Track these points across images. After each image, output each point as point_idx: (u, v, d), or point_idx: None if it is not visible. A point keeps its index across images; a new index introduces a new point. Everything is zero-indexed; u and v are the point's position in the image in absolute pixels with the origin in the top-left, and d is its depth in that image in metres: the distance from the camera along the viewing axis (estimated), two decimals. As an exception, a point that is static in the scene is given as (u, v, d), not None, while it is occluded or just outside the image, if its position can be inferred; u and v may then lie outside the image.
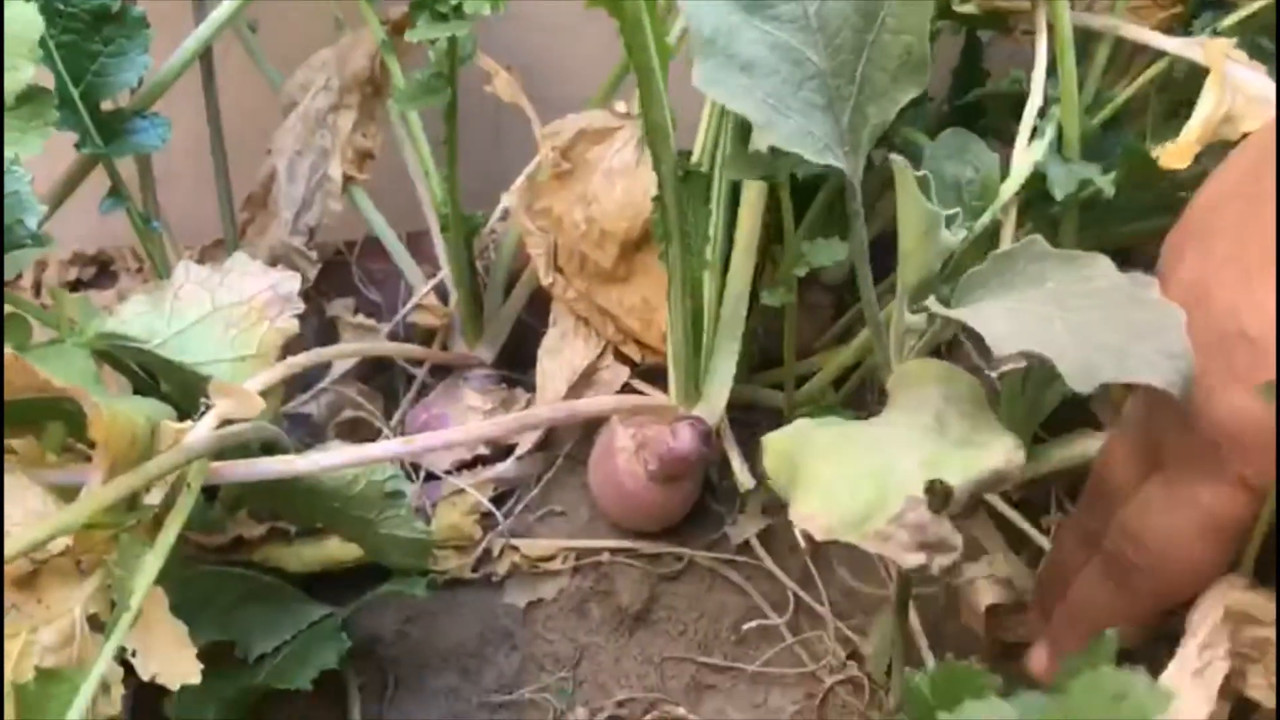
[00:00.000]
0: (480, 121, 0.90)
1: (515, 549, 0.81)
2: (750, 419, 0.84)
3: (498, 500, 0.83)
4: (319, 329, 0.90)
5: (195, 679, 0.53)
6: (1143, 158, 0.63)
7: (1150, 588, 0.54)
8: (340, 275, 0.93)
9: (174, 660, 0.53)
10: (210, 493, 0.73)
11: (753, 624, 0.78)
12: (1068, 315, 0.46)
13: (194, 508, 0.71)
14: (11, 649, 0.49)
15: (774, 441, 0.50)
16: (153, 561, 0.53)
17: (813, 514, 0.43)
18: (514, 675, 0.77)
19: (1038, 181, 0.66)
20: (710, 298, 0.74)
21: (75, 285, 0.92)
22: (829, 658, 0.76)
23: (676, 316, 0.72)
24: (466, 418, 0.84)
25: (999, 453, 0.44)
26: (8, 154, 0.59)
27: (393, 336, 0.88)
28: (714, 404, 0.75)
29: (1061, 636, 0.62)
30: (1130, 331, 0.45)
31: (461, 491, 0.82)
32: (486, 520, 0.82)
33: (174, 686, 0.53)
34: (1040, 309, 0.47)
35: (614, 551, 0.81)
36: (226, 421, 0.60)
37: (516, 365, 0.89)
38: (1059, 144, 0.67)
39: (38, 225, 0.59)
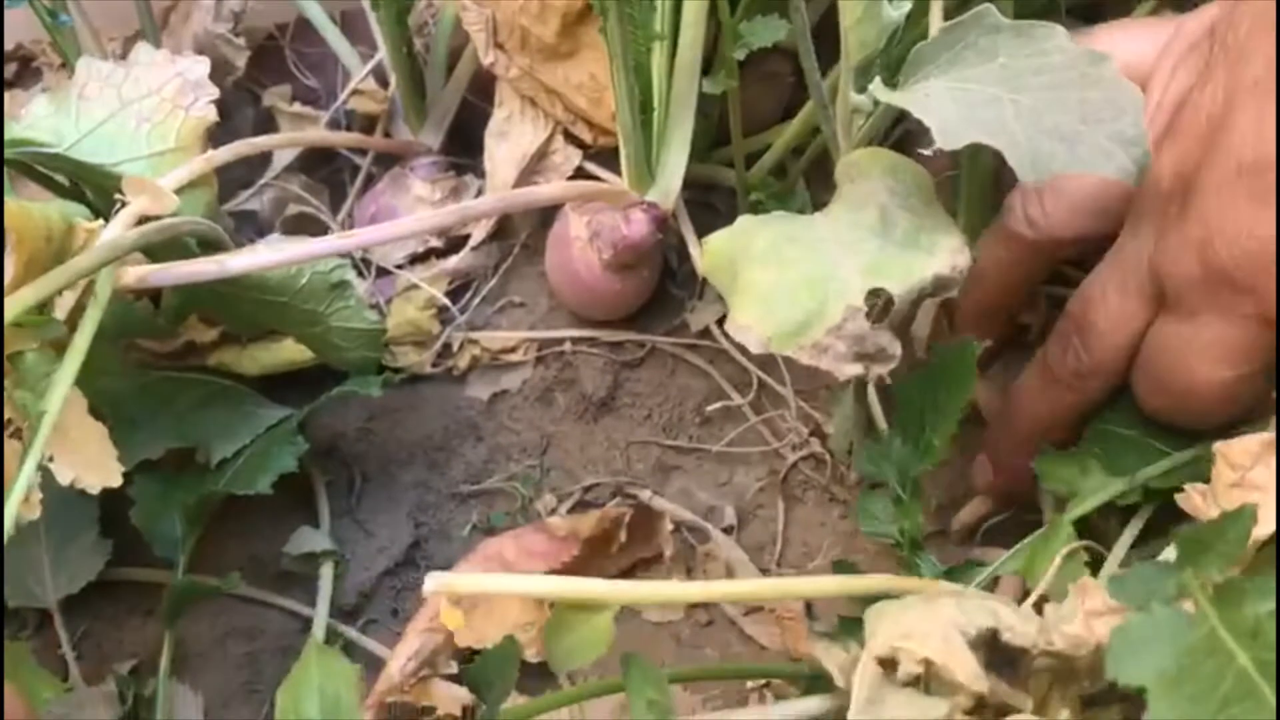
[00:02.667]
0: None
1: (475, 342, 0.80)
2: (708, 199, 0.82)
3: (454, 294, 0.81)
4: (256, 120, 0.86)
5: (116, 482, 0.52)
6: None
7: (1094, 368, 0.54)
8: (273, 61, 0.87)
9: (94, 464, 0.52)
10: (156, 300, 0.71)
11: (716, 406, 0.78)
12: (1019, 97, 0.43)
13: (138, 316, 0.71)
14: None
15: (713, 244, 0.48)
16: (68, 367, 0.51)
17: (749, 325, 0.42)
18: (481, 466, 0.78)
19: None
20: (660, 73, 0.70)
21: (-5, 84, 0.87)
22: (791, 435, 0.76)
23: (622, 95, 0.68)
24: (415, 209, 0.81)
25: (943, 257, 0.42)
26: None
27: (333, 125, 0.84)
28: (668, 187, 0.72)
29: (1000, 446, 0.64)
30: (1084, 114, 0.42)
31: (416, 286, 0.80)
32: (444, 314, 0.81)
33: (94, 491, 0.52)
34: (990, 90, 0.44)
35: (575, 341, 0.80)
36: (145, 220, 0.57)
37: (465, 150, 0.85)
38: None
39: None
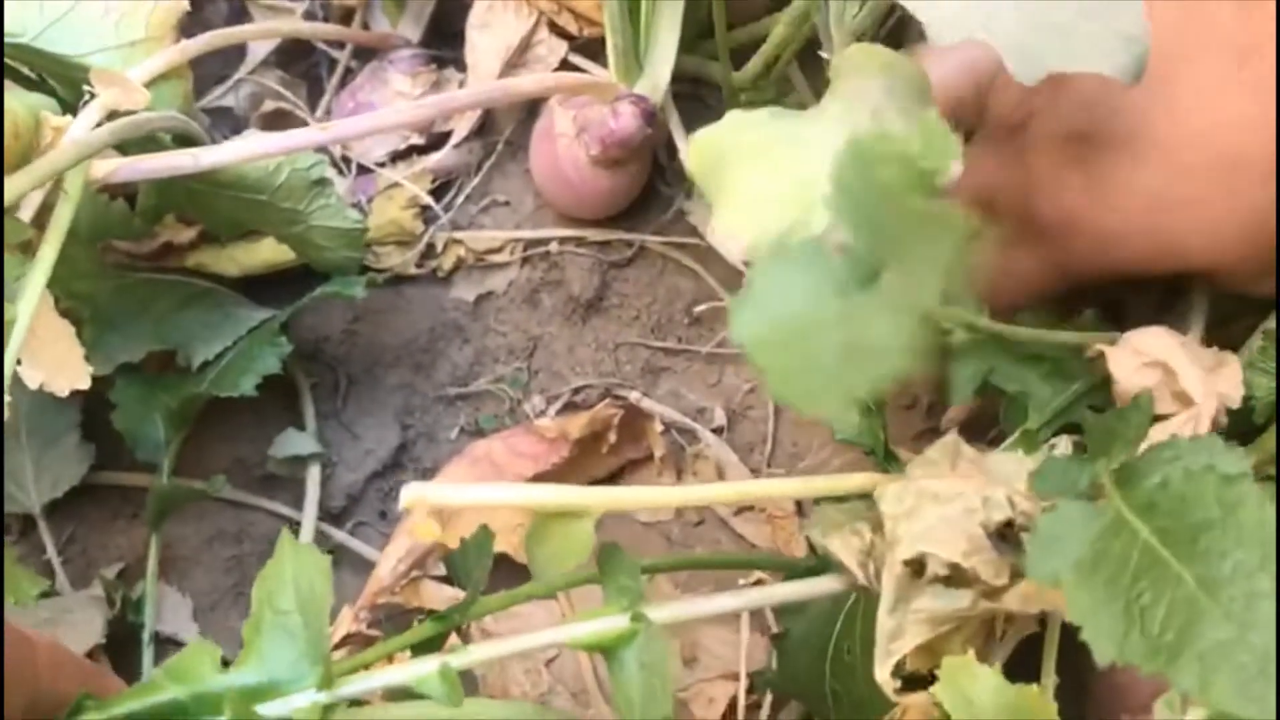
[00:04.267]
0: None
1: (460, 242, 0.79)
2: (697, 93, 0.79)
3: (437, 192, 0.79)
4: (229, 13, 0.82)
5: (84, 384, 0.52)
6: None
7: None
8: (245, -52, 0.84)
9: (61, 367, 0.51)
10: (131, 201, 0.69)
11: (706, 306, 0.77)
12: (1018, -11, 0.41)
13: (113, 216, 0.69)
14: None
15: (701, 142, 0.46)
16: (38, 270, 0.50)
17: (733, 230, 0.40)
18: (468, 368, 0.77)
19: None
20: (648, -37, 0.67)
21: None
22: (783, 336, 0.75)
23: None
24: (394, 104, 0.78)
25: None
26: None
27: (309, 17, 0.81)
28: (656, 79, 0.70)
29: None
30: (1081, 7, 0.40)
31: (398, 184, 0.78)
32: (427, 213, 0.79)
33: (63, 393, 0.51)
34: (990, -17, 0.42)
35: (562, 240, 0.78)
36: (115, 115, 0.56)
37: (445, 43, 0.82)
38: None
39: None
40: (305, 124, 0.81)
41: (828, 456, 0.72)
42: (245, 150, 0.58)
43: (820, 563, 0.48)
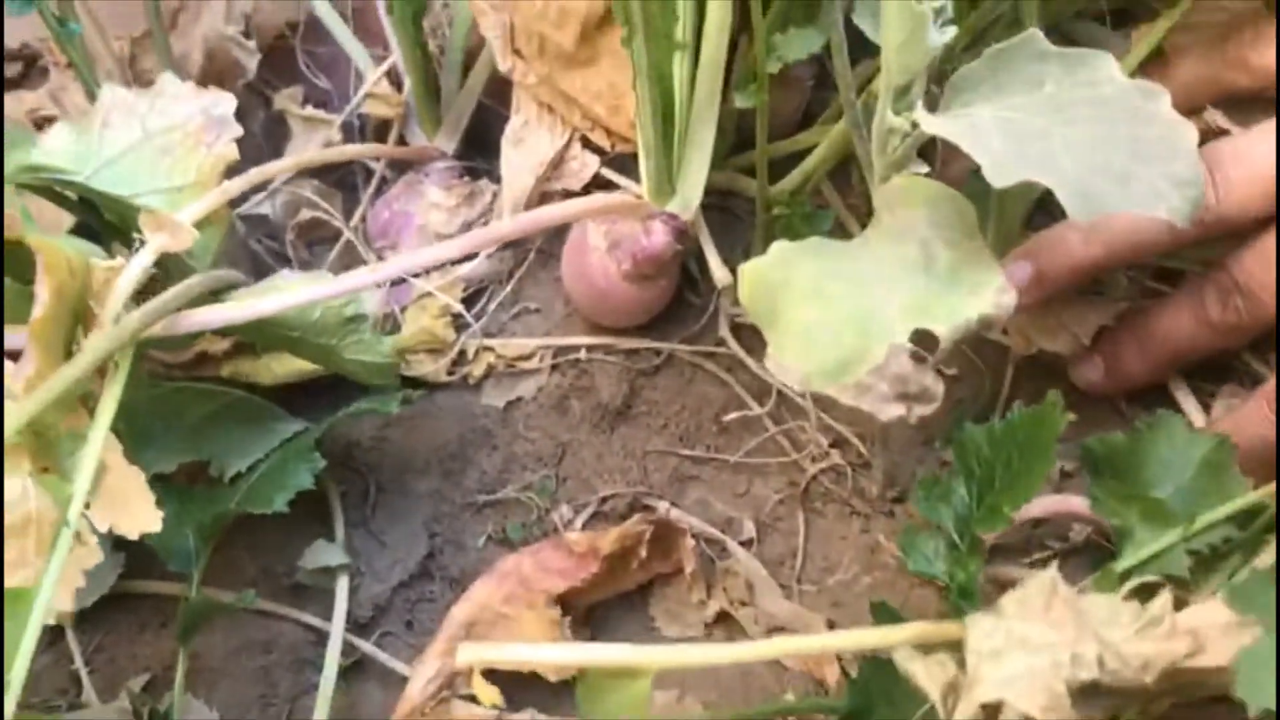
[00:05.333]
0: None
1: (490, 349, 0.79)
2: (726, 204, 0.80)
3: (469, 300, 0.80)
4: (266, 123, 0.84)
5: (155, 528, 0.52)
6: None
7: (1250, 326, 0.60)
8: (284, 61, 0.86)
9: (133, 510, 0.51)
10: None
11: (734, 415, 0.77)
12: (1068, 130, 0.42)
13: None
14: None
15: (752, 273, 0.47)
16: (102, 418, 0.50)
17: (790, 362, 0.41)
18: (497, 475, 0.77)
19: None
20: (681, 82, 0.68)
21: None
22: (811, 447, 0.75)
23: (644, 106, 0.67)
24: (429, 215, 0.80)
25: (988, 296, 0.41)
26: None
27: (346, 128, 0.83)
28: (688, 198, 0.71)
29: (1124, 354, 0.67)
30: (1136, 151, 0.41)
31: (431, 294, 0.79)
32: (459, 321, 0.80)
33: (133, 536, 0.51)
34: (1038, 121, 0.43)
35: (591, 348, 0.79)
36: (165, 255, 0.57)
37: (479, 152, 0.84)
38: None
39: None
40: (338, 233, 0.82)
41: (859, 572, 0.72)
42: (295, 299, 0.60)
43: (862, 704, 0.47)
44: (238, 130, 0.62)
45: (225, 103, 0.62)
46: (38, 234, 0.54)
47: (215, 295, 0.62)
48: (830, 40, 0.50)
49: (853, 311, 0.41)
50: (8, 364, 0.54)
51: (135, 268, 0.56)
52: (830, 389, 0.40)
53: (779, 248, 0.49)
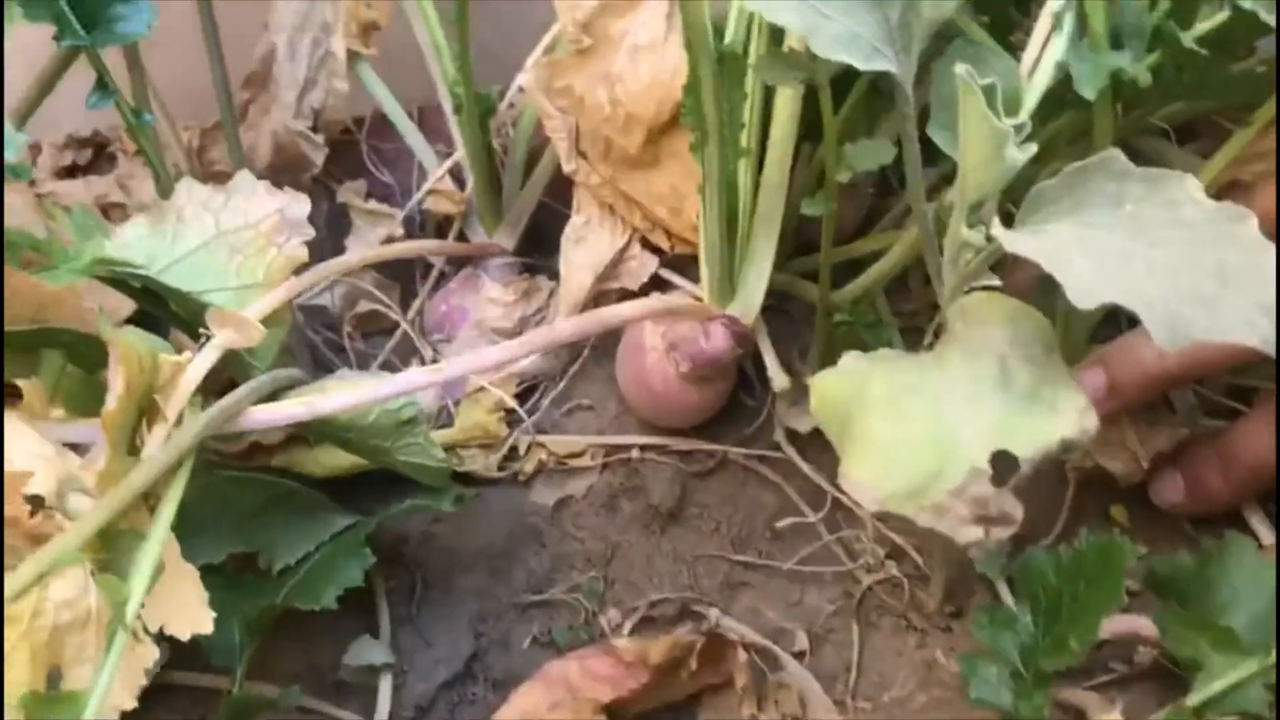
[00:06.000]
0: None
1: (542, 445, 0.79)
2: (784, 307, 0.80)
3: (522, 395, 0.80)
4: (329, 215, 0.85)
5: (207, 629, 0.51)
6: (1176, 40, 0.56)
7: None
8: (349, 155, 0.87)
9: (186, 611, 0.51)
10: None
11: (788, 521, 0.76)
12: (1151, 252, 0.41)
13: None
14: (23, 609, 0.47)
15: (825, 386, 0.46)
16: (162, 518, 0.50)
17: (867, 482, 0.40)
18: (544, 575, 0.76)
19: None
20: (745, 188, 0.69)
21: (71, 170, 0.87)
22: (867, 557, 0.74)
23: (710, 210, 0.67)
24: (486, 310, 0.80)
25: (1070, 418, 0.40)
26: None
27: (407, 223, 0.84)
28: (749, 302, 0.70)
29: (1207, 475, 0.65)
30: (1222, 276, 0.40)
31: (484, 388, 0.78)
32: (511, 416, 0.79)
33: (184, 637, 0.51)
34: (1119, 242, 0.42)
35: (644, 448, 0.78)
36: (229, 353, 0.57)
37: (536, 248, 0.85)
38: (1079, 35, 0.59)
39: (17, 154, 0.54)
40: (395, 326, 0.82)
41: (914, 689, 0.70)
42: (355, 399, 0.60)
43: None
44: (310, 233, 0.63)
45: (300, 204, 0.63)
46: (111, 326, 0.54)
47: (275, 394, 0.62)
48: (905, 155, 0.50)
49: (931, 430, 0.40)
50: (76, 456, 0.55)
51: (201, 364, 0.57)
52: (907, 510, 0.39)
53: (851, 359, 0.48)
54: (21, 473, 0.54)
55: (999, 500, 0.39)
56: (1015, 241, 0.43)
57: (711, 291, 0.71)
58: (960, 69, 0.44)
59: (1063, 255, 0.41)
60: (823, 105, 0.58)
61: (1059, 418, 0.40)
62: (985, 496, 0.39)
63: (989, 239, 0.48)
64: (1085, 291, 0.39)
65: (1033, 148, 0.45)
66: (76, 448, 0.56)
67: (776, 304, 0.80)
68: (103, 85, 0.67)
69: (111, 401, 0.53)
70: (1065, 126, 0.64)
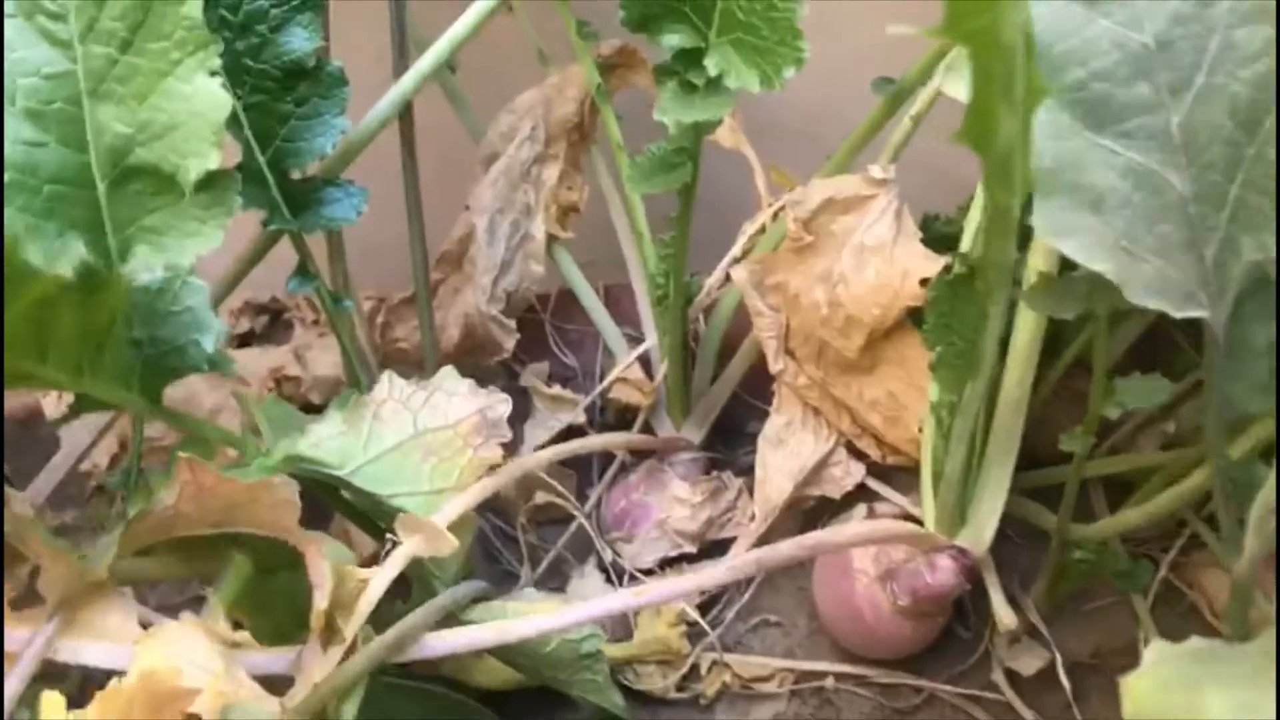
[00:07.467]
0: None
1: (726, 666, 0.72)
2: (1006, 530, 0.72)
3: (704, 606, 0.73)
4: (510, 396, 0.81)
5: None
6: None
7: None
8: (531, 333, 0.83)
9: None
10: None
11: (1003, 773, 0.67)
12: None
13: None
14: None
15: (1141, 693, 0.39)
16: None
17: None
18: (724, 813, 0.68)
19: None
20: (981, 409, 0.62)
21: (247, 337, 0.85)
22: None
23: (951, 435, 0.61)
24: (672, 510, 0.74)
25: None
26: (185, 255, 0.51)
27: (590, 411, 0.79)
28: (981, 533, 0.63)
29: None
30: None
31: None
32: (692, 627, 0.72)
33: None
34: None
35: (840, 677, 0.71)
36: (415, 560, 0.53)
37: (723, 439, 0.79)
38: None
39: (215, 345, 0.51)
40: (571, 519, 0.77)
41: None
42: (555, 623, 0.55)
43: None
44: (507, 434, 0.58)
45: (502, 406, 0.58)
46: (313, 539, 0.50)
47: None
48: (1205, 407, 0.43)
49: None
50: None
51: (385, 579, 0.53)
52: None
53: (1160, 655, 0.41)
54: (189, 689, 0.50)
55: None
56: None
57: (940, 518, 0.64)
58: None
59: None
60: (1095, 340, 0.52)
61: None
62: None
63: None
64: None
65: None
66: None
67: (999, 527, 0.72)
68: (304, 270, 0.64)
69: (322, 601, 0.51)
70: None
